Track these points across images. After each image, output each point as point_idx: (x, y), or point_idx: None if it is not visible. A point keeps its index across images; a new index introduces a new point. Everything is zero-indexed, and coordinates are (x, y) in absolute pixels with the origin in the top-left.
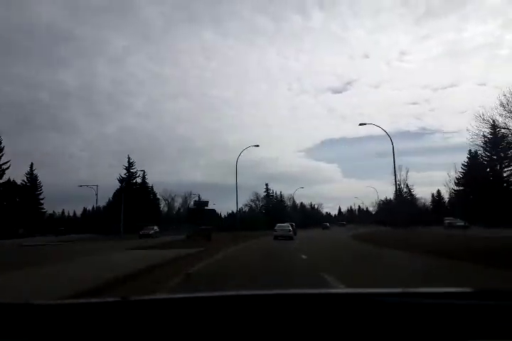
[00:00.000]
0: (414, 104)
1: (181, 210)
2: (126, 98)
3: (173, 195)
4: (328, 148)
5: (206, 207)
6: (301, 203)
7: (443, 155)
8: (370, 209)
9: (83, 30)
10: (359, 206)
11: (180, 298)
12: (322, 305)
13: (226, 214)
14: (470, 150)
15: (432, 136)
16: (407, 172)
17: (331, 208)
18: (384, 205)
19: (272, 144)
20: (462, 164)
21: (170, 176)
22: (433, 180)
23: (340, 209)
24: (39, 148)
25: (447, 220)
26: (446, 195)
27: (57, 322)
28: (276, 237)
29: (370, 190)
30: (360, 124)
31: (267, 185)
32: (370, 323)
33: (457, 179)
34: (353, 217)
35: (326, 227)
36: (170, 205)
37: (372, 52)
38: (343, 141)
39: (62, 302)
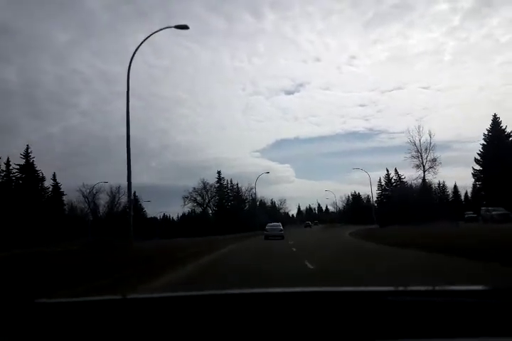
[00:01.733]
0: (362, 106)
1: (109, 210)
2: (71, 96)
3: (95, 191)
4: (282, 148)
5: None
6: (261, 200)
7: (389, 155)
8: (339, 205)
9: (21, 23)
10: (319, 204)
11: (178, 297)
12: (326, 303)
13: (177, 218)
14: (495, 114)
15: (379, 136)
16: (431, 145)
17: (286, 208)
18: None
19: (227, 145)
20: (484, 134)
21: (117, 178)
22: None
23: (299, 209)
24: None
25: (495, 211)
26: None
27: (56, 320)
28: (267, 237)
29: (328, 190)
30: None
31: (219, 173)
32: (375, 321)
33: (479, 154)
34: (312, 216)
35: (308, 225)
36: (91, 205)
37: (324, 55)
38: (296, 141)
39: (61, 300)
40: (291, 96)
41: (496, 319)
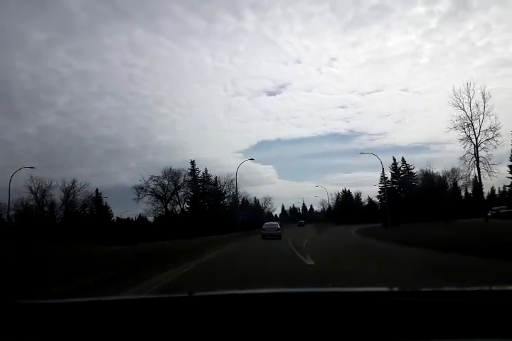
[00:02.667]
0: (343, 107)
1: (63, 207)
2: (47, 95)
3: (46, 186)
4: (264, 149)
5: None
6: (244, 198)
7: (369, 156)
8: (329, 204)
9: None
10: (304, 204)
11: (178, 298)
12: (323, 303)
13: (153, 219)
14: None
15: (359, 138)
16: (487, 110)
17: (271, 208)
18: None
19: (208, 145)
20: None
21: (94, 179)
22: (359, 180)
23: (283, 209)
24: None
25: None
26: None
27: (43, 321)
28: (264, 236)
29: (310, 191)
30: None
31: (193, 163)
32: (372, 322)
33: None
34: (297, 216)
35: (302, 225)
36: (40, 200)
37: (304, 57)
38: (278, 142)
39: (48, 301)
40: (272, 97)
41: (494, 320)
